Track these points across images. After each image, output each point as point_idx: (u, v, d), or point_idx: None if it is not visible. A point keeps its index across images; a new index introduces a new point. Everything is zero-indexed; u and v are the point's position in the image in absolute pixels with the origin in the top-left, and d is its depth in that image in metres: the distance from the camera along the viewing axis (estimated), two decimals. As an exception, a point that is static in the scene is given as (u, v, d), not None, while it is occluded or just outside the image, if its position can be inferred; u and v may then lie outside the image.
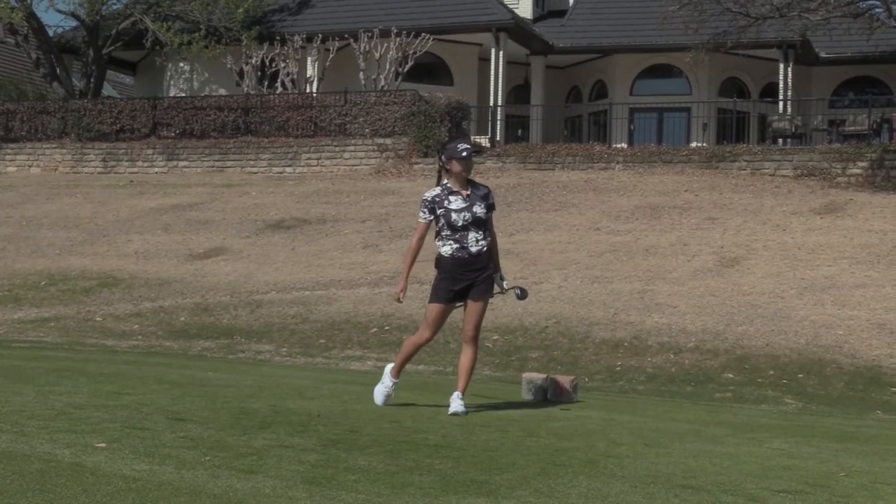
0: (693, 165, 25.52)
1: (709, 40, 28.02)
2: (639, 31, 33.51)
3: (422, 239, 7.44)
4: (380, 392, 7.58)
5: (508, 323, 15.42)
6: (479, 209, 7.32)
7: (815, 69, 34.48)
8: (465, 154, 7.31)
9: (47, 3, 35.36)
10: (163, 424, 6.13)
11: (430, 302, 7.43)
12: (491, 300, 7.56)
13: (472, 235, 7.30)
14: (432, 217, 7.36)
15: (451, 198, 7.33)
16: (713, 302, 15.88)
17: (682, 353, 13.90)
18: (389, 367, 7.64)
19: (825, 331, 14.46)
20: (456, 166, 7.33)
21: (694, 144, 30.50)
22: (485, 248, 7.32)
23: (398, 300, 7.62)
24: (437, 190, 7.41)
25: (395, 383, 7.59)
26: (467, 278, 7.31)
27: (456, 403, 7.33)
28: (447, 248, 7.34)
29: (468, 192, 7.35)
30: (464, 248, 7.30)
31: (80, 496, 4.30)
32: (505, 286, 7.45)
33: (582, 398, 9.24)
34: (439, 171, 7.49)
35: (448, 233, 7.33)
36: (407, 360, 7.60)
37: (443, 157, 7.41)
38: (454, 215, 7.28)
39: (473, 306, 7.33)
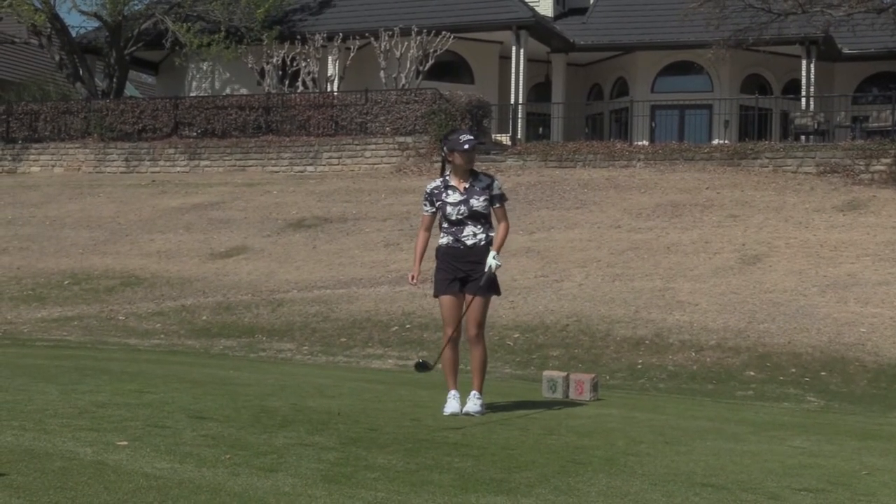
0: (715, 163, 25.40)
1: (730, 37, 27.87)
2: (660, 28, 33.39)
3: (428, 230, 7.40)
4: (448, 408, 7.25)
5: (529, 321, 15.40)
6: (476, 202, 7.22)
7: (837, 65, 34.24)
8: (467, 146, 7.24)
9: (70, 4, 35.45)
10: (184, 423, 6.17)
11: (435, 296, 7.37)
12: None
13: (468, 229, 7.22)
14: (434, 209, 7.32)
15: (449, 191, 7.26)
16: (735, 300, 15.82)
17: (704, 351, 13.85)
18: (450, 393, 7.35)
19: (848, 328, 14.37)
20: (458, 158, 7.27)
21: (716, 142, 30.37)
22: (482, 242, 7.22)
23: (412, 283, 7.50)
24: (437, 182, 7.36)
25: (455, 394, 7.28)
26: (462, 270, 7.20)
27: (472, 403, 7.26)
28: (443, 240, 7.30)
29: (466, 185, 7.26)
30: (458, 240, 7.23)
31: (101, 494, 4.33)
32: (491, 262, 7.12)
33: (603, 396, 9.23)
34: (442, 163, 7.45)
35: (446, 225, 7.29)
36: (450, 368, 7.31)
37: (445, 149, 7.35)
38: (449, 208, 7.22)
39: (473, 304, 7.20)
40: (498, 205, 7.32)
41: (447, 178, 7.33)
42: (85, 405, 6.70)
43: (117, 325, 16.66)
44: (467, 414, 7.16)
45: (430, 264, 7.49)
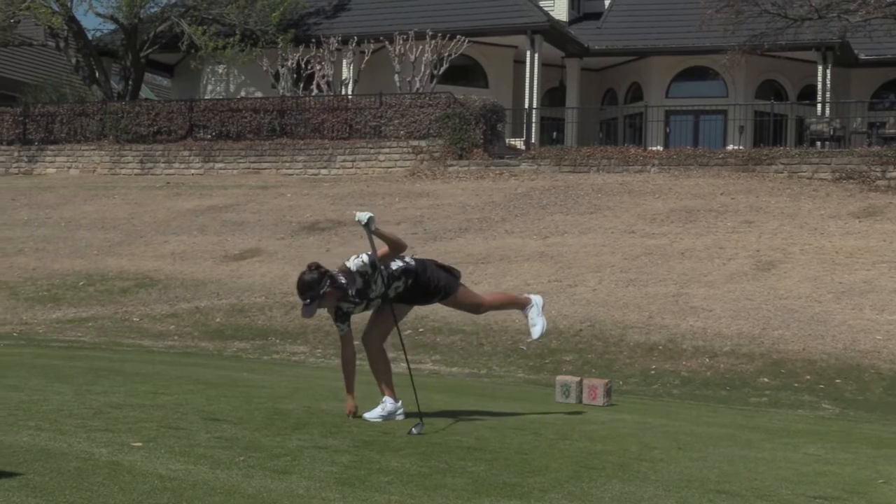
0: (729, 168, 25.34)
1: (746, 42, 27.83)
2: (675, 33, 33.35)
3: (350, 345, 6.94)
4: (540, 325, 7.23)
5: (542, 326, 15.37)
6: (375, 293, 6.79)
7: (854, 71, 34.14)
8: (304, 317, 6.88)
9: (87, 6, 35.57)
10: (198, 424, 6.18)
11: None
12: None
13: (393, 288, 6.84)
14: (348, 325, 6.89)
15: (345, 305, 6.82)
16: (749, 306, 15.77)
17: (718, 357, 13.81)
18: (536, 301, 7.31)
19: (863, 335, 14.32)
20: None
21: (730, 147, 30.31)
22: (410, 283, 6.92)
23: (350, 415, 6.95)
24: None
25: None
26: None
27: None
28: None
29: (352, 298, 6.78)
30: (394, 292, 6.91)
31: (116, 495, 4.35)
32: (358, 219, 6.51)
33: (616, 401, 9.21)
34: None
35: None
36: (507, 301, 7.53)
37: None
38: (369, 308, 6.93)
39: (460, 296, 7.17)
40: (379, 263, 6.75)
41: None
42: (100, 406, 6.72)
43: (131, 326, 16.71)
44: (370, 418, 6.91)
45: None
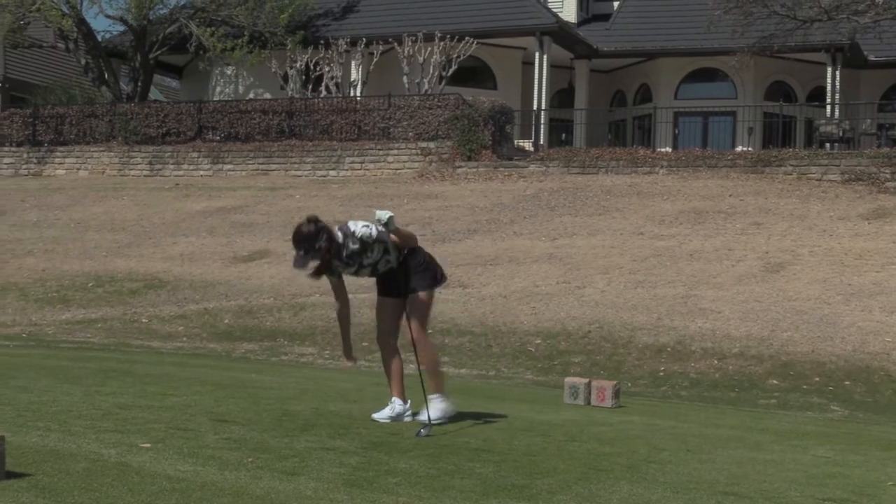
0: (738, 170, 25.31)
1: (755, 44, 27.79)
2: (684, 34, 33.31)
3: (343, 299, 6.91)
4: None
5: (551, 327, 15.38)
6: (368, 260, 6.73)
7: (863, 72, 34.06)
8: (295, 268, 6.77)
9: (97, 8, 35.70)
10: (206, 426, 6.19)
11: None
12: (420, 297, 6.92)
13: (382, 263, 6.77)
14: (338, 275, 6.82)
15: (336, 263, 6.73)
16: (758, 307, 15.74)
17: (726, 359, 13.79)
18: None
19: (873, 337, 14.28)
20: None
21: (739, 149, 30.25)
22: (402, 258, 6.79)
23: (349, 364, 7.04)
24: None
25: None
26: (396, 280, 6.88)
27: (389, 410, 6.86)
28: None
29: (345, 259, 6.71)
30: (379, 270, 6.85)
31: (125, 495, 4.36)
32: (379, 217, 6.53)
33: (624, 403, 9.20)
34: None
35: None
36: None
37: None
38: (357, 276, 6.88)
39: (412, 301, 6.88)
40: (387, 239, 6.68)
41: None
42: (109, 407, 6.74)
43: (140, 327, 16.74)
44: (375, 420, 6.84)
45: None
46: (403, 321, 6.89)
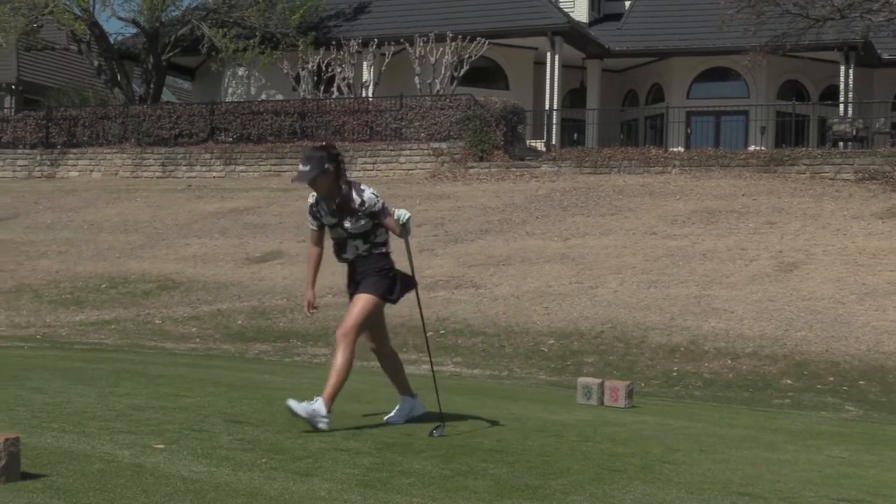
0: (751, 169, 25.24)
1: (767, 43, 27.70)
2: (696, 34, 33.24)
3: (317, 245, 6.68)
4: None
5: (564, 327, 15.36)
6: (351, 224, 6.47)
7: (877, 71, 33.93)
8: (293, 181, 6.63)
9: (109, 11, 35.80)
10: (220, 427, 6.20)
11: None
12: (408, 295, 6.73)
13: (349, 245, 6.56)
14: (319, 224, 6.64)
15: (325, 206, 6.55)
16: (771, 307, 15.70)
17: (740, 359, 13.76)
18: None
19: (887, 337, 14.22)
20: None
21: (752, 148, 30.17)
22: (366, 253, 6.52)
23: (308, 312, 6.81)
24: (312, 198, 6.65)
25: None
26: (354, 279, 6.60)
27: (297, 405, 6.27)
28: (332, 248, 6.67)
29: (335, 206, 6.50)
30: (341, 256, 6.65)
31: (139, 496, 4.37)
32: (398, 217, 6.38)
33: (638, 403, 9.18)
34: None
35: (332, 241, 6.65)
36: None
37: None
38: (328, 230, 6.60)
39: (355, 299, 6.53)
40: (383, 218, 6.49)
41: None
42: (122, 408, 6.75)
43: (153, 328, 16.78)
44: (291, 411, 6.25)
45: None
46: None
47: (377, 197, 6.48)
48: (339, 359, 6.35)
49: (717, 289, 16.74)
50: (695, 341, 14.46)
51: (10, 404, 6.64)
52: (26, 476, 4.51)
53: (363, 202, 6.42)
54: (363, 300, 6.46)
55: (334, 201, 6.47)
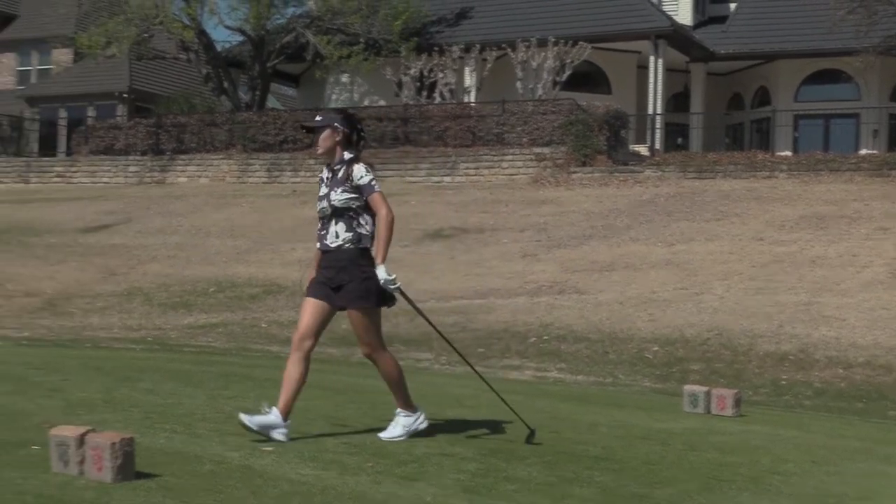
0: (863, 173, 24.58)
1: (880, 43, 26.98)
2: (803, 35, 32.53)
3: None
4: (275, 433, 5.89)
5: (669, 334, 15.16)
6: (336, 196, 6.02)
7: None
8: (299, 124, 6.29)
9: (216, 20, 36.55)
10: (326, 430, 6.26)
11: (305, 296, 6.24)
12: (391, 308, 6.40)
13: (331, 228, 6.04)
14: None
15: (325, 176, 6.20)
16: (886, 315, 15.25)
17: (852, 368, 13.39)
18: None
19: None
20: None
21: (863, 152, 29.41)
22: (345, 245, 6.01)
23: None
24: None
25: (277, 416, 5.96)
26: (326, 276, 6.09)
27: (390, 427, 6.10)
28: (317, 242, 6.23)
29: (329, 175, 6.13)
30: (322, 241, 6.12)
31: (248, 498, 4.43)
32: (381, 276, 6.03)
33: (745, 412, 9.00)
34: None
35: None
36: (285, 383, 6.16)
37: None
38: (317, 205, 6.16)
39: (349, 317, 6.19)
40: (367, 195, 6.01)
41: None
42: (231, 410, 6.87)
43: (260, 332, 17.05)
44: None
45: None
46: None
47: (367, 171, 6.06)
48: (384, 369, 6.22)
49: (828, 296, 16.34)
50: (804, 349, 14.12)
51: (124, 405, 6.82)
52: (140, 475, 4.61)
53: (352, 172, 6.02)
54: (357, 317, 6.13)
55: (332, 167, 6.14)
